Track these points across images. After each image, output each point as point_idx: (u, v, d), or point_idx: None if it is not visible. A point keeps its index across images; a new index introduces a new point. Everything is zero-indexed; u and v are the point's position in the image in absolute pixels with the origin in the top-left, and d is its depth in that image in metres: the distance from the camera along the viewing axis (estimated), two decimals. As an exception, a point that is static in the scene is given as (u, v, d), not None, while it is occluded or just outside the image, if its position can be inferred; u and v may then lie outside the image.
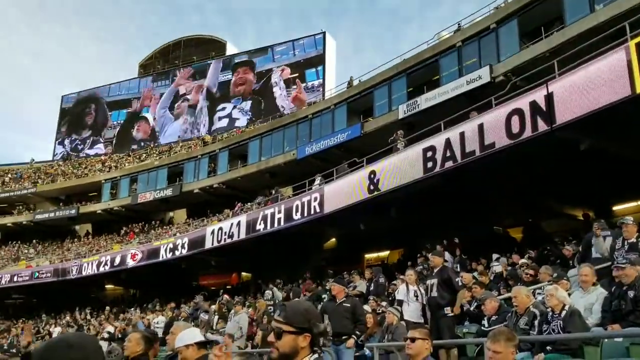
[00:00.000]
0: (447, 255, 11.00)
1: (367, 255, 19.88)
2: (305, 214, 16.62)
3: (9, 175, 41.62)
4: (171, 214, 33.63)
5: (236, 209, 24.48)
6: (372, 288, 11.28)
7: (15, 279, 28.48)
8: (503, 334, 3.31)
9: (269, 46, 40.78)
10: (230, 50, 44.42)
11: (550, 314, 5.35)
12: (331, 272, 16.06)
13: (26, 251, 34.09)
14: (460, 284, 8.07)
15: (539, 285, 7.69)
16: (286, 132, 26.30)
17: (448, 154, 11.58)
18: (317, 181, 18.49)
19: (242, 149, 28.21)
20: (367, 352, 7.56)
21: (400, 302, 8.43)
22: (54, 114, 49.78)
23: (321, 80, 37.02)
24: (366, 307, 9.21)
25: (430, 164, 12.03)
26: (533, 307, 5.69)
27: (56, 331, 19.69)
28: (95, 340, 1.61)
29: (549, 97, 9.77)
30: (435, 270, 7.88)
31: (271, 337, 2.23)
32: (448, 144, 11.63)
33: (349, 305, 7.18)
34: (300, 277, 17.72)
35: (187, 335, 3.81)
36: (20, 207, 37.04)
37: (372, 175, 13.94)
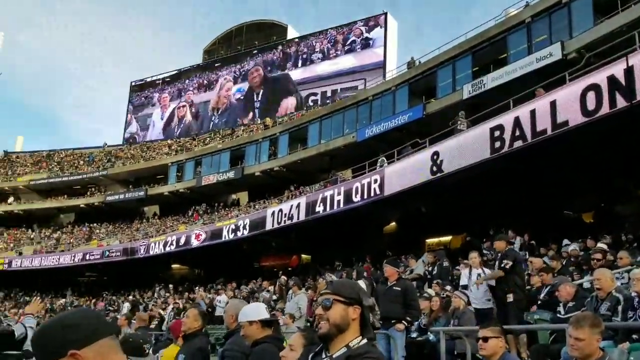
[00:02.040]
0: (517, 240, 10.50)
1: (429, 240, 19.45)
2: (365, 196, 16.41)
3: (83, 159, 43.63)
4: (234, 196, 34.24)
5: (294, 191, 24.59)
6: (435, 272, 10.97)
7: (87, 257, 29.87)
8: (587, 320, 3.02)
9: (329, 29, 40.50)
10: (291, 33, 44.43)
11: (637, 299, 4.92)
12: (391, 255, 15.82)
13: (98, 231, 35.69)
14: (522, 268, 7.66)
15: (619, 270, 7.17)
16: (346, 114, 26.06)
17: (517, 133, 11.03)
18: (380, 162, 18.19)
19: (302, 132, 28.24)
20: (431, 336, 7.30)
21: (465, 287, 8.12)
22: (123, 101, 51.55)
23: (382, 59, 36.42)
24: (430, 291, 8.94)
25: (497, 144, 11.51)
26: (616, 292, 5.24)
27: (125, 306, 20.50)
28: (96, 315, 1.48)
29: (629, 71, 9.08)
30: (500, 255, 7.52)
31: (319, 310, 2.10)
32: (517, 122, 11.08)
33: (399, 288, 6.74)
34: (359, 260, 17.57)
35: (252, 311, 3.64)
36: (92, 189, 38.75)
37: (435, 157, 13.54)
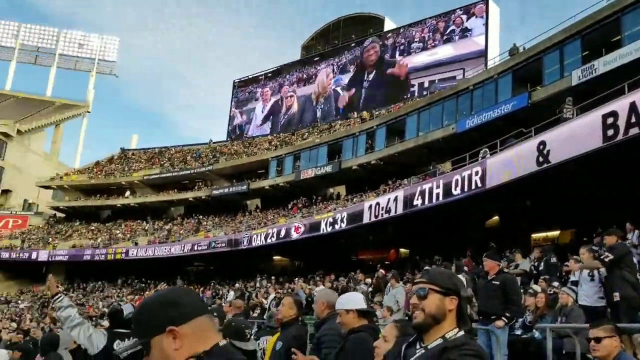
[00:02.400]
0: (634, 234, 9.69)
1: (535, 235, 18.50)
2: (466, 189, 15.93)
3: (190, 155, 46.13)
4: (332, 189, 34.65)
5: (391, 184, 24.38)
6: (541, 267, 10.43)
7: (195, 247, 31.56)
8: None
9: (427, 18, 39.66)
10: (388, 25, 44.01)
11: None
12: (494, 248, 15.24)
13: (205, 223, 37.57)
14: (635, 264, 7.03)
15: None
16: (445, 105, 25.42)
17: (633, 120, 10.19)
18: (483, 154, 17.57)
19: (400, 124, 27.92)
20: (536, 334, 6.97)
21: (575, 283, 7.65)
22: (227, 99, 53.79)
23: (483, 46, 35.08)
24: (535, 287, 8.53)
25: (610, 132, 10.70)
26: None
27: (230, 295, 21.44)
28: (193, 295, 1.52)
29: None
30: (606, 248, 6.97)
31: (414, 300, 2.05)
32: (633, 108, 10.23)
33: (498, 282, 6.37)
34: (459, 255, 17.10)
35: (349, 300, 3.65)
36: (200, 184, 40.84)
37: (541, 147, 12.83)
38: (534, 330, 7.05)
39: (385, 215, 19.73)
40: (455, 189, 16.45)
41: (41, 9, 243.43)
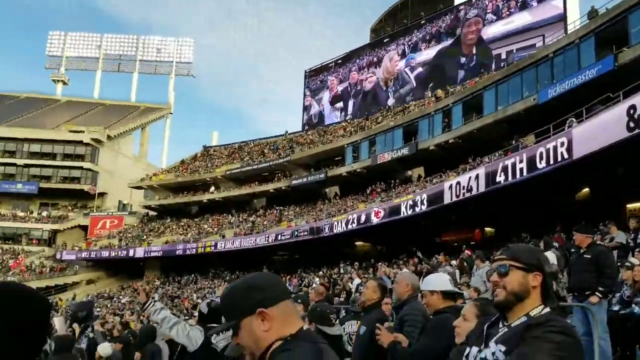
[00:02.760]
0: None
1: (630, 205, 17.40)
2: (551, 162, 15.22)
3: (268, 147, 47.14)
4: (409, 172, 34.24)
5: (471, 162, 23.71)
6: (639, 239, 9.81)
7: (279, 237, 32.32)
8: None
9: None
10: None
11: None
12: (584, 224, 14.48)
13: (286, 213, 38.34)
14: None
15: None
16: (524, 76, 24.29)
17: None
18: (569, 123, 16.70)
19: (477, 100, 27.01)
20: (636, 309, 6.58)
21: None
22: (300, 89, 54.34)
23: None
24: (633, 260, 8.04)
25: None
26: None
27: (316, 281, 21.81)
28: (278, 280, 1.58)
29: None
30: None
31: (494, 277, 1.99)
32: None
33: (589, 256, 6.05)
34: (548, 231, 16.40)
35: (435, 281, 3.63)
36: (279, 175, 41.68)
37: (631, 111, 12.03)
38: (632, 305, 6.67)
39: (467, 195, 19.27)
40: (540, 162, 15.77)
41: (120, 19, 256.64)
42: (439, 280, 3.63)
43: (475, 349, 2.00)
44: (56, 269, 44.51)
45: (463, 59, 39.61)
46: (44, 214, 51.47)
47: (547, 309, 1.89)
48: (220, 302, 1.58)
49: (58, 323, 9.62)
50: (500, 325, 1.96)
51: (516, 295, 1.90)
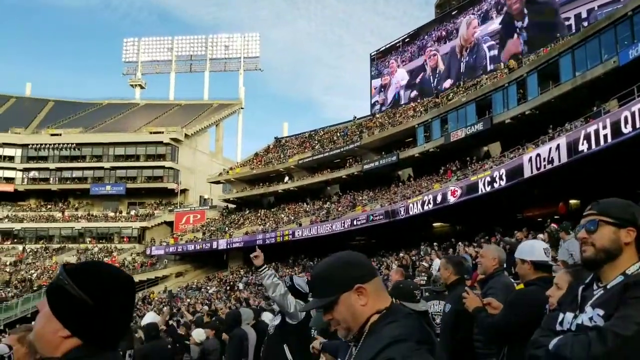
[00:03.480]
0: None
1: None
2: (638, 125, 14.29)
3: (338, 134, 47.25)
4: (485, 148, 33.21)
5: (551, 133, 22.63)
6: None
7: (354, 222, 32.40)
8: None
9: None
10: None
11: None
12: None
13: (360, 198, 38.35)
14: None
15: None
16: (602, 38, 22.85)
17: None
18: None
19: (552, 67, 25.69)
20: None
21: None
22: (366, 73, 53.96)
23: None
24: None
25: None
26: None
27: (393, 266, 21.73)
28: (366, 258, 1.63)
29: None
30: None
31: (582, 234, 1.90)
32: None
33: None
34: (639, 199, 15.45)
35: (527, 250, 3.49)
36: (351, 160, 41.71)
37: None
38: None
39: (548, 166, 18.47)
40: (626, 127, 14.86)
41: (189, 20, 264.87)
42: (532, 249, 3.48)
43: (570, 315, 1.90)
44: (147, 264, 47.01)
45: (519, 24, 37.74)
46: (132, 212, 54.40)
47: None
48: (314, 279, 1.62)
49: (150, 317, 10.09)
50: (595, 288, 1.86)
51: (606, 252, 1.81)
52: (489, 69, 39.41)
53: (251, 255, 4.79)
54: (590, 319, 1.78)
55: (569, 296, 1.98)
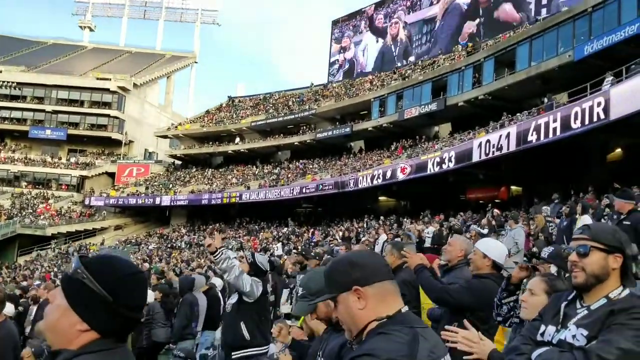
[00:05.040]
0: None
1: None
2: (587, 122, 14.90)
3: (293, 100, 46.86)
4: (436, 128, 33.85)
5: (502, 120, 23.28)
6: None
7: (303, 190, 32.52)
8: None
9: None
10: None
11: None
12: (617, 187, 14.25)
13: (311, 166, 38.46)
14: None
15: None
16: (560, 31, 23.45)
17: None
18: (607, 82, 16.22)
19: (510, 55, 26.25)
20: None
21: None
22: (326, 39, 53.43)
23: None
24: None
25: None
26: None
27: (337, 236, 22.09)
28: (380, 260, 1.61)
29: None
30: None
31: (574, 257, 1.97)
32: None
33: (629, 222, 6.00)
34: (578, 192, 16.21)
35: (493, 248, 3.61)
36: (304, 128, 41.58)
37: (676, 72, 11.59)
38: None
39: (497, 153, 19.04)
40: (575, 122, 15.44)
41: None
42: (498, 251, 3.64)
43: (552, 329, 1.99)
44: (85, 214, 45.71)
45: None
46: (73, 160, 52.44)
47: (627, 291, 1.88)
48: (325, 273, 1.62)
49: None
50: (579, 306, 1.95)
51: (596, 277, 1.89)
52: (447, 48, 39.76)
53: (205, 245, 4.76)
54: (574, 336, 1.87)
55: (551, 309, 2.06)
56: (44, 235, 41.20)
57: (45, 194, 49.04)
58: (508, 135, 18.48)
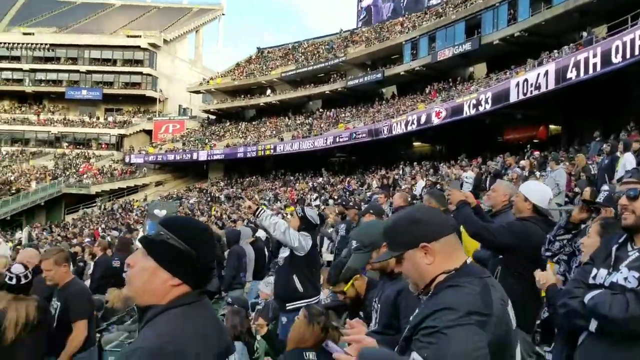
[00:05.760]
0: None
1: None
2: (628, 56, 14.33)
3: (323, 47, 46.17)
4: (471, 69, 33.00)
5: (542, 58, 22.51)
6: None
7: (337, 139, 32.49)
8: None
9: None
10: None
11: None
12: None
13: (343, 115, 38.25)
14: None
15: None
16: (602, -41, 22.21)
17: None
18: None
19: (547, -12, 25.10)
20: None
21: None
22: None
23: None
24: None
25: None
26: None
27: (374, 184, 22.20)
28: (441, 215, 1.64)
29: None
30: None
31: (624, 200, 2.02)
32: None
33: None
34: (619, 128, 15.76)
35: (537, 191, 3.61)
36: (335, 76, 41.07)
37: None
38: None
39: (535, 92, 18.55)
40: (616, 57, 14.88)
41: None
42: (540, 194, 3.61)
43: (603, 271, 2.04)
44: (126, 171, 46.92)
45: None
46: (110, 119, 53.46)
47: None
48: (386, 231, 1.68)
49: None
50: (630, 249, 1.99)
51: None
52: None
53: (245, 208, 4.89)
54: (625, 279, 1.92)
55: (603, 252, 2.12)
56: (89, 194, 42.62)
57: (86, 154, 50.40)
58: (546, 73, 17.95)
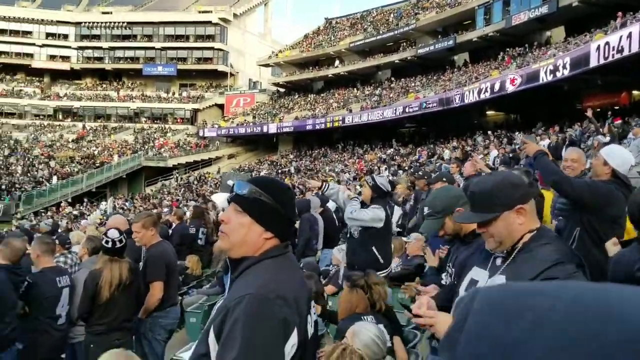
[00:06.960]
0: None
1: None
2: None
3: (392, 15, 45.32)
4: (548, 33, 31.43)
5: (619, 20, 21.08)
6: None
7: (406, 110, 32.02)
8: None
9: None
10: None
11: None
12: None
13: (413, 84, 37.60)
14: None
15: None
16: None
17: None
18: None
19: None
20: None
21: None
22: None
23: None
24: None
25: None
26: None
27: (446, 153, 21.86)
28: (524, 179, 1.78)
29: None
30: None
31: None
32: None
33: None
34: None
35: (617, 157, 3.49)
36: (404, 44, 40.31)
37: None
38: None
39: (617, 56, 17.51)
40: None
41: None
42: (621, 159, 3.50)
43: None
44: (200, 145, 48.57)
45: None
46: (184, 94, 55.28)
47: None
48: (478, 195, 1.79)
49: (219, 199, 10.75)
50: None
51: None
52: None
53: (312, 187, 5.14)
54: None
55: None
56: (166, 167, 44.60)
57: (163, 128, 52.54)
58: (630, 36, 16.86)
